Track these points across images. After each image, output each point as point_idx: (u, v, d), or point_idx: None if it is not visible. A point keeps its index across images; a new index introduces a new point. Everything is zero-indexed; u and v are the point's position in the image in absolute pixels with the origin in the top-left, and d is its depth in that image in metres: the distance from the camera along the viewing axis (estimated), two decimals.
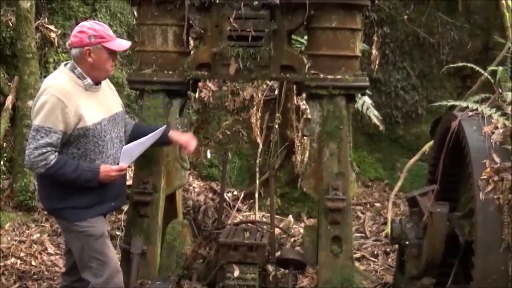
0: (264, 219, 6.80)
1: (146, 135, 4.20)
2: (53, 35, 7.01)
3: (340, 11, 4.53)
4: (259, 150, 7.24)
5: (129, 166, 4.32)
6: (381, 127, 7.27)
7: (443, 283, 4.56)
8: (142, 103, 4.77)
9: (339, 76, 4.56)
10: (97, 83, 4.08)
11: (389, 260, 6.30)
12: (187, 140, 4.45)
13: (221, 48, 4.57)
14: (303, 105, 7.25)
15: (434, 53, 8.35)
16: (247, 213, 7.12)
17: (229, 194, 7.17)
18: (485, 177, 4.13)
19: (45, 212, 6.19)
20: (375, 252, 6.47)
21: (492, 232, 4.06)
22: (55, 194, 4.01)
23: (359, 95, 5.69)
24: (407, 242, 4.65)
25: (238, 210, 7.11)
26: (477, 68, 4.89)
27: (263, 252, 4.45)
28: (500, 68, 4.82)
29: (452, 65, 5.50)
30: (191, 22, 4.66)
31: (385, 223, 7.00)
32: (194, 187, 7.01)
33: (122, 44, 4.09)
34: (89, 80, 4.00)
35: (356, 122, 7.89)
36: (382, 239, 6.77)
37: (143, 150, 4.25)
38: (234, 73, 4.58)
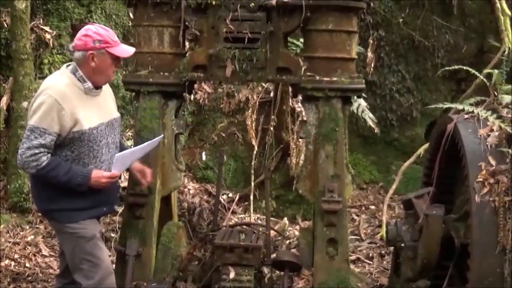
0: (259, 221, 6.79)
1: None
2: (48, 36, 6.99)
3: (336, 14, 4.53)
4: (254, 152, 7.24)
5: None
6: (376, 130, 7.28)
7: (438, 285, 4.56)
8: (137, 104, 4.75)
9: (335, 78, 4.56)
10: (98, 87, 4.06)
11: (384, 262, 6.32)
12: (143, 168, 4.36)
13: (217, 50, 4.56)
14: (298, 107, 7.26)
15: (429, 56, 8.38)
16: (242, 215, 7.11)
17: (224, 196, 7.17)
18: (480, 179, 4.14)
19: (39, 214, 6.17)
20: (370, 255, 6.48)
21: (488, 235, 4.07)
22: (47, 195, 4.00)
23: (355, 97, 5.69)
24: (402, 244, 4.66)
25: (233, 212, 7.10)
26: (473, 71, 4.90)
27: (259, 254, 4.45)
28: (496, 71, 4.83)
29: (448, 68, 5.51)
30: (187, 23, 4.65)
31: (380, 226, 7.01)
32: (189, 189, 7.00)
33: (127, 50, 4.07)
34: (89, 84, 3.98)
35: (351, 125, 7.89)
36: (377, 241, 6.79)
37: (136, 159, 4.24)
38: (230, 75, 4.58)
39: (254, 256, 4.40)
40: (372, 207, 7.66)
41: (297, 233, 6.84)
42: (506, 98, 4.47)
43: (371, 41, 7.71)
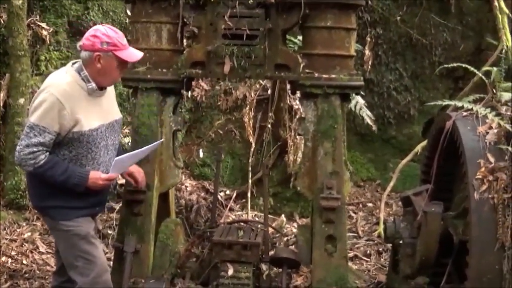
0: (257, 219, 6.79)
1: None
2: (44, 32, 6.97)
3: (335, 11, 4.52)
4: (252, 149, 7.24)
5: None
6: (374, 127, 7.28)
7: (436, 282, 4.56)
8: (135, 101, 4.74)
9: (334, 75, 4.55)
10: (102, 88, 4.01)
11: (382, 259, 6.32)
12: (137, 170, 4.34)
13: (216, 47, 4.54)
14: (295, 104, 7.26)
15: (427, 54, 8.38)
16: (240, 213, 7.10)
17: (222, 194, 7.16)
18: (479, 176, 4.14)
19: (36, 211, 6.15)
20: (368, 252, 6.49)
21: (487, 232, 4.07)
22: (42, 192, 3.98)
23: (353, 94, 5.68)
24: (401, 242, 4.66)
25: (231, 210, 7.09)
26: (471, 69, 4.89)
27: (257, 251, 4.44)
28: (495, 68, 4.83)
29: (446, 66, 5.50)
30: (185, 20, 4.63)
31: (377, 223, 7.01)
32: (186, 186, 6.99)
33: (134, 55, 4.02)
34: (93, 85, 3.93)
35: (348, 123, 7.86)
36: (374, 238, 6.79)
37: (135, 162, 4.23)
38: (229, 71, 4.56)
39: (252, 253, 4.39)
40: (370, 204, 7.67)
41: (294, 230, 6.84)
42: (505, 96, 4.47)
43: (368, 39, 7.70)
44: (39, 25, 6.92)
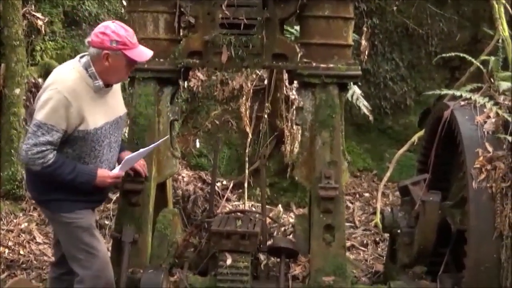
0: (254, 209, 6.79)
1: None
2: (40, 22, 6.93)
3: (332, 0, 4.51)
4: (249, 140, 7.22)
5: None
6: (371, 117, 7.28)
7: (433, 272, 4.58)
8: (132, 91, 4.72)
9: (332, 65, 4.55)
10: (108, 85, 3.94)
11: (379, 249, 6.34)
12: (139, 163, 4.32)
13: (213, 36, 4.53)
14: (292, 95, 7.24)
15: (423, 44, 8.38)
16: (236, 203, 7.10)
17: (219, 184, 7.14)
18: (477, 166, 4.16)
19: (33, 201, 6.13)
20: (365, 242, 6.50)
21: (485, 221, 4.09)
22: (42, 186, 3.92)
23: (351, 84, 5.69)
24: (398, 231, 4.67)
25: (228, 200, 7.09)
26: (469, 58, 4.89)
27: (256, 240, 4.43)
28: (492, 58, 4.83)
29: (444, 55, 5.50)
30: (182, 9, 4.61)
31: (374, 213, 7.03)
32: (183, 177, 6.98)
33: (144, 54, 3.93)
34: (100, 82, 3.85)
35: (345, 113, 7.81)
36: (371, 228, 6.80)
37: (141, 158, 4.23)
38: (226, 61, 4.54)
39: (251, 243, 4.38)
40: (366, 194, 7.67)
41: (291, 220, 6.85)
42: (503, 85, 4.47)
43: (365, 29, 7.66)
44: (34, 15, 6.87)
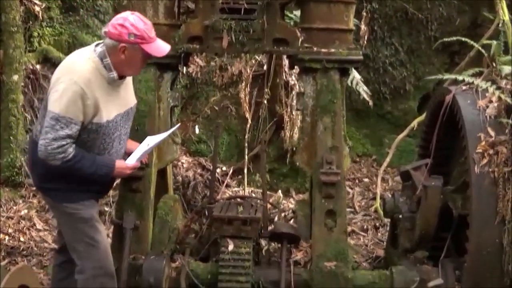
0: (253, 195, 6.78)
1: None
2: (37, 8, 6.89)
3: None
4: (248, 125, 7.20)
5: None
6: (371, 103, 7.26)
7: (434, 257, 4.58)
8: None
9: (333, 50, 4.51)
10: (121, 77, 3.86)
11: (379, 234, 6.35)
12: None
13: (213, 21, 4.49)
14: (291, 80, 7.22)
15: (423, 29, 8.33)
16: (236, 189, 7.09)
17: (218, 170, 7.11)
18: (480, 150, 4.14)
19: (33, 188, 6.12)
20: (365, 227, 6.51)
21: (487, 205, 4.08)
22: (46, 173, 3.83)
23: (352, 69, 5.66)
24: (400, 216, 4.67)
25: (227, 186, 7.08)
26: (471, 42, 4.87)
27: (257, 226, 4.43)
28: (494, 42, 4.80)
29: (446, 39, 5.47)
30: None
31: (374, 198, 7.03)
32: (182, 163, 6.96)
33: (162, 49, 3.85)
34: (114, 74, 3.77)
35: (344, 98, 7.85)
36: (371, 214, 6.81)
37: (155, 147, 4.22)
38: (227, 46, 4.51)
39: (252, 229, 4.37)
40: (366, 180, 7.67)
41: (291, 205, 6.85)
42: (506, 69, 4.45)
43: (364, 14, 7.61)
44: (31, 1, 6.83)
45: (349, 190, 7.39)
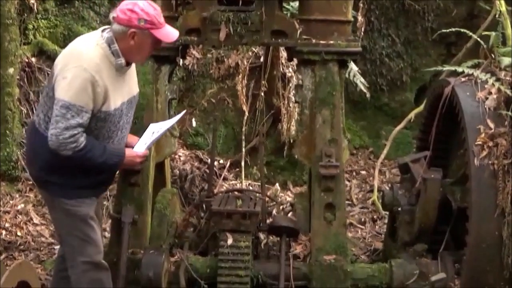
0: (251, 188, 6.76)
1: None
2: (32, 0, 6.81)
3: None
4: (245, 118, 7.16)
5: None
6: (368, 95, 7.24)
7: (434, 249, 4.57)
8: None
9: (331, 42, 4.49)
10: (128, 63, 3.78)
11: (377, 227, 6.33)
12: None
13: (211, 13, 4.46)
14: (288, 72, 7.18)
15: (419, 20, 8.28)
16: (234, 182, 7.06)
17: (215, 163, 7.09)
18: (479, 142, 4.13)
19: (29, 182, 6.08)
20: (362, 219, 6.49)
21: (487, 198, 4.08)
22: (47, 165, 3.73)
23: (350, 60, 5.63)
24: (399, 209, 4.66)
25: (225, 179, 7.05)
26: (470, 34, 4.85)
27: (256, 220, 4.41)
28: (493, 33, 4.78)
29: (445, 30, 5.45)
30: None
31: (371, 191, 7.00)
32: (179, 156, 6.93)
33: (171, 35, 3.78)
34: (122, 60, 3.69)
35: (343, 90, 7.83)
36: (368, 206, 6.79)
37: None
38: (225, 38, 4.48)
39: (251, 222, 4.36)
40: (363, 172, 7.65)
41: (289, 198, 6.83)
42: (505, 61, 4.44)
43: (361, 5, 7.58)
44: None
45: (347, 182, 7.35)
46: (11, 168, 6.29)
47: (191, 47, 7.20)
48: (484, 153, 4.10)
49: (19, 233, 5.69)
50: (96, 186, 3.89)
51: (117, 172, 4.30)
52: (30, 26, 6.86)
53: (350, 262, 4.45)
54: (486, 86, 4.34)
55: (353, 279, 4.37)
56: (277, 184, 7.11)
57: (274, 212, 5.69)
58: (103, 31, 3.75)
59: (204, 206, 4.90)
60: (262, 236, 4.78)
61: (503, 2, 7.10)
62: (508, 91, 4.18)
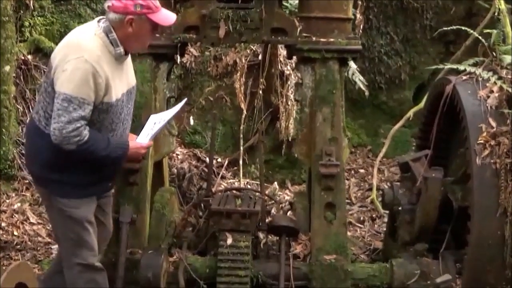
0: (249, 186, 6.72)
1: None
2: None
3: None
4: (243, 116, 7.11)
5: None
6: (367, 93, 7.20)
7: (433, 249, 4.54)
8: None
9: (332, 39, 4.47)
10: (126, 53, 3.72)
11: (376, 226, 6.29)
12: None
13: (210, 10, 4.43)
14: (287, 70, 7.13)
15: (418, 18, 8.25)
16: (232, 180, 7.02)
17: (213, 161, 7.05)
18: (481, 141, 4.10)
19: (26, 181, 6.03)
20: (361, 218, 6.45)
21: (489, 197, 4.05)
22: (47, 162, 3.65)
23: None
24: (399, 208, 4.62)
25: (223, 178, 7.01)
26: (470, 31, 4.81)
27: (256, 219, 4.38)
28: (494, 31, 4.75)
29: (446, 28, 5.42)
30: None
31: (370, 189, 6.97)
32: (177, 155, 6.89)
33: (169, 17, 3.70)
34: (121, 49, 3.62)
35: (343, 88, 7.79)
36: (367, 205, 6.75)
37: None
38: (224, 36, 4.45)
39: (251, 222, 4.33)
40: (362, 170, 7.62)
41: (287, 197, 6.80)
42: (507, 59, 4.40)
43: (360, 3, 7.55)
44: None
45: (345, 181, 7.33)
46: (8, 166, 6.23)
47: (189, 44, 7.17)
48: (486, 152, 4.07)
49: (15, 233, 5.63)
50: (98, 183, 3.79)
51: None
52: (26, 24, 6.82)
53: (350, 262, 4.41)
54: (487, 84, 4.31)
55: (354, 279, 4.35)
56: (275, 183, 7.06)
57: (273, 211, 5.65)
58: (99, 21, 3.69)
59: (203, 205, 4.86)
60: (261, 235, 4.74)
61: (502, 1, 7.09)
62: (510, 90, 4.14)
